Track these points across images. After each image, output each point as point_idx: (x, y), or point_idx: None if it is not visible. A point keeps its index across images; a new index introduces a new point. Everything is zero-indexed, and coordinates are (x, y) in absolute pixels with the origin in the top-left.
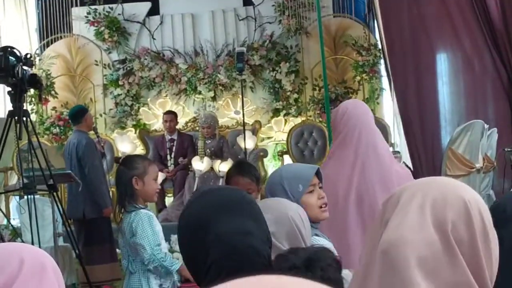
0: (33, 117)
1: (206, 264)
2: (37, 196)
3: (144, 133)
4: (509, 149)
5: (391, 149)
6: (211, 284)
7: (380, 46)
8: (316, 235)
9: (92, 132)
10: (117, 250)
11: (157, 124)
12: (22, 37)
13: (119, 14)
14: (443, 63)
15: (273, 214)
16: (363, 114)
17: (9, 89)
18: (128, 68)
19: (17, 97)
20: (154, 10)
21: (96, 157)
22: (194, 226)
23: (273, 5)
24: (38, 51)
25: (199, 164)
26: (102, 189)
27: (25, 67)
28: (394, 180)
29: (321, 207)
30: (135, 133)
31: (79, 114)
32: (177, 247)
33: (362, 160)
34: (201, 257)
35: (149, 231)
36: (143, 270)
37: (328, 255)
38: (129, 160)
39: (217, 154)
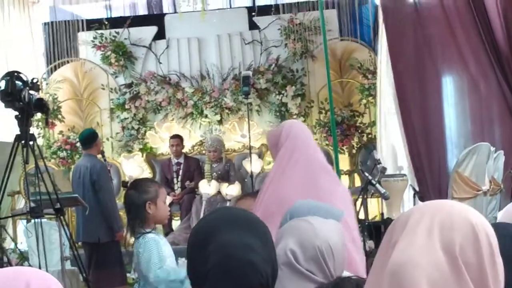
0: (40, 141)
1: (204, 272)
2: (44, 220)
3: (151, 156)
4: None
5: (397, 171)
6: None
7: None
8: None
9: (99, 156)
10: (127, 274)
11: (163, 147)
12: (29, 61)
13: (125, 39)
14: (448, 85)
15: (299, 237)
16: (307, 135)
17: (16, 113)
18: (135, 92)
19: (24, 121)
20: (160, 34)
21: (110, 181)
22: (200, 235)
23: (278, 29)
24: (45, 76)
25: (207, 188)
26: (116, 213)
27: (31, 92)
28: (341, 192)
29: None
30: (142, 156)
31: (90, 138)
32: (185, 271)
33: (314, 178)
34: (201, 265)
35: (154, 255)
36: None
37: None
38: (139, 184)
39: (224, 177)
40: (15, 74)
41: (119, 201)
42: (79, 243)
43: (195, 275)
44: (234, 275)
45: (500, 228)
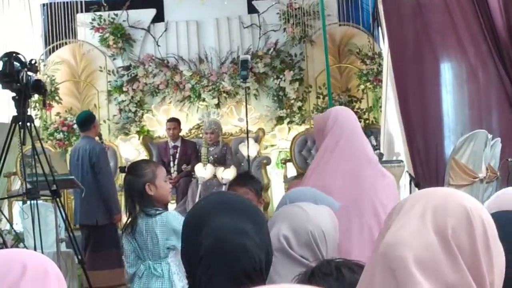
0: (37, 122)
1: (198, 256)
2: (40, 202)
3: (147, 139)
4: None
5: (394, 157)
6: (202, 276)
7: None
8: None
9: (97, 138)
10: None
11: (160, 130)
12: (27, 42)
13: (124, 21)
14: (447, 72)
15: (292, 223)
16: (354, 123)
17: (14, 94)
18: (133, 75)
19: (21, 103)
20: (159, 17)
21: (109, 163)
22: (194, 220)
23: (277, 13)
24: (42, 57)
25: (202, 171)
26: (115, 195)
27: (29, 73)
28: (383, 187)
29: None
30: (139, 139)
31: (88, 121)
32: None
33: (357, 168)
34: (194, 249)
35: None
36: (169, 272)
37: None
38: (136, 168)
39: (220, 161)
40: (13, 55)
41: (117, 184)
42: (76, 226)
43: (189, 259)
44: (227, 259)
45: (502, 217)
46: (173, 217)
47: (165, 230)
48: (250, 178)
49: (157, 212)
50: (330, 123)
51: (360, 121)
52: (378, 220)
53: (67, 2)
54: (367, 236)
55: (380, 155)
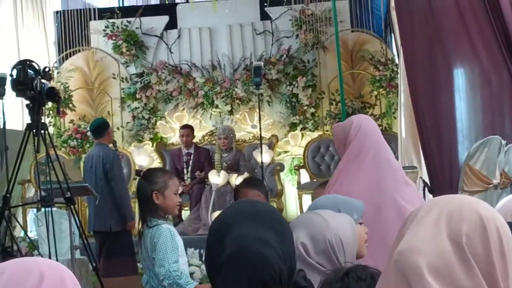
0: (51, 130)
1: (219, 262)
2: (54, 209)
3: (161, 146)
4: None
5: (407, 164)
6: (222, 283)
7: (397, 61)
8: None
9: (111, 145)
10: (138, 264)
11: (174, 137)
12: (41, 50)
13: (137, 28)
14: (460, 78)
15: (310, 230)
16: (376, 131)
17: (28, 102)
18: (146, 82)
19: (35, 110)
20: (171, 24)
21: (122, 170)
22: (218, 227)
23: (290, 20)
24: (56, 64)
25: (216, 178)
26: (128, 202)
27: (43, 81)
28: (407, 195)
29: (365, 241)
30: (152, 146)
31: (102, 128)
32: (193, 261)
33: (379, 176)
34: (216, 255)
35: (169, 247)
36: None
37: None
38: (149, 174)
39: (234, 167)
40: (27, 63)
41: (131, 191)
42: (90, 233)
43: (211, 265)
44: (246, 267)
45: None
46: (158, 230)
47: (152, 243)
48: (258, 181)
49: (154, 224)
50: (353, 132)
51: None
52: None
53: (80, 10)
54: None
55: None
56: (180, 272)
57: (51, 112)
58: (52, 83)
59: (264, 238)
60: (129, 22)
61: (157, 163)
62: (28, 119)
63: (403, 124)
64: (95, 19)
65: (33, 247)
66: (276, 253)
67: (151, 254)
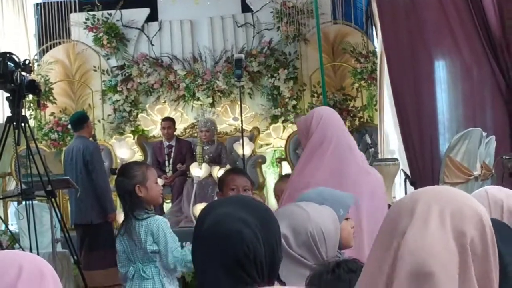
0: (32, 122)
1: (196, 236)
2: (35, 202)
3: (142, 139)
4: (507, 157)
5: (389, 156)
6: (198, 256)
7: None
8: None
9: (90, 139)
10: None
11: (155, 130)
12: (21, 42)
13: (117, 20)
14: (441, 70)
15: (292, 222)
16: (338, 121)
17: (8, 95)
18: (127, 74)
19: (15, 103)
20: (152, 16)
21: (102, 162)
22: (206, 207)
23: (271, 12)
24: (36, 57)
25: (198, 171)
26: (109, 194)
27: (23, 73)
28: (369, 181)
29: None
30: (134, 139)
31: (81, 120)
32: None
33: (341, 165)
34: (198, 230)
35: (169, 235)
36: (159, 275)
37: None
38: (126, 170)
39: (216, 160)
40: (7, 55)
41: (112, 184)
42: (72, 226)
43: (193, 242)
44: (220, 241)
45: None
46: (155, 222)
47: (149, 234)
48: (244, 170)
49: (146, 216)
50: (314, 124)
51: (355, 119)
52: (358, 215)
53: (60, 2)
54: None
55: (375, 154)
56: (185, 252)
57: (31, 105)
58: (33, 76)
59: (243, 218)
60: (110, 14)
61: (138, 156)
62: (8, 112)
63: (384, 116)
64: (75, 11)
65: (14, 241)
66: (253, 233)
67: (144, 245)
